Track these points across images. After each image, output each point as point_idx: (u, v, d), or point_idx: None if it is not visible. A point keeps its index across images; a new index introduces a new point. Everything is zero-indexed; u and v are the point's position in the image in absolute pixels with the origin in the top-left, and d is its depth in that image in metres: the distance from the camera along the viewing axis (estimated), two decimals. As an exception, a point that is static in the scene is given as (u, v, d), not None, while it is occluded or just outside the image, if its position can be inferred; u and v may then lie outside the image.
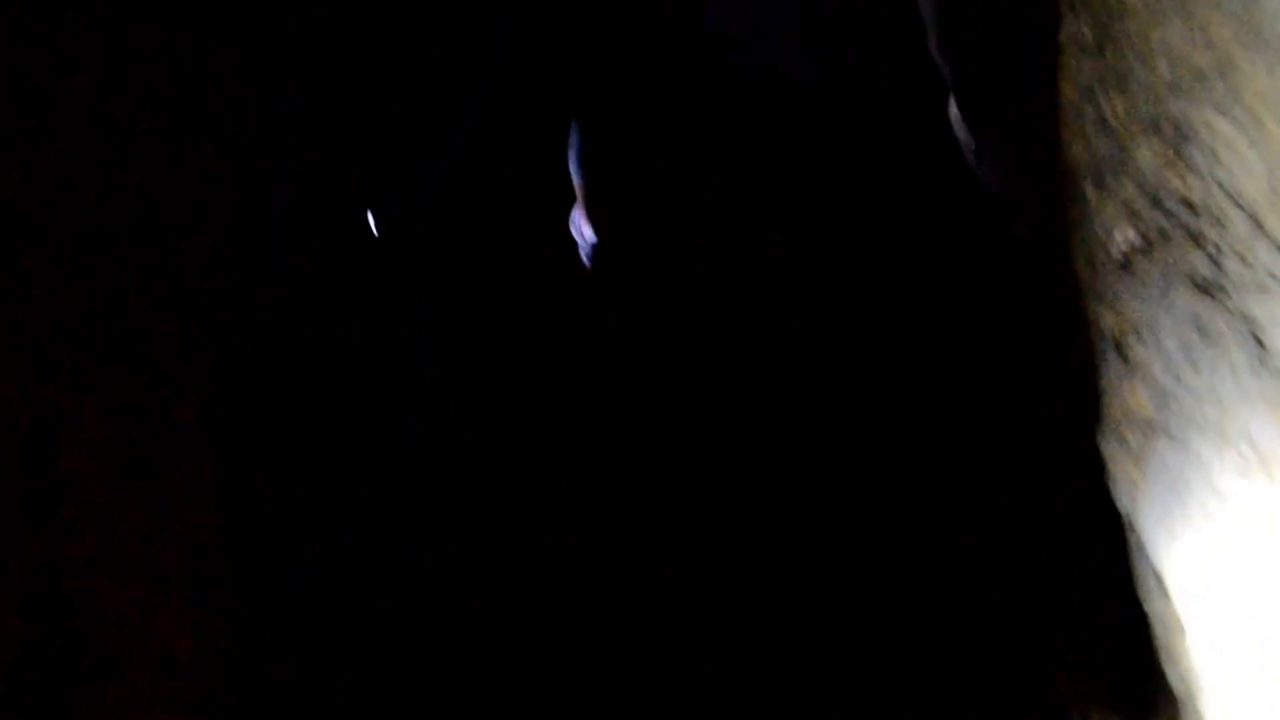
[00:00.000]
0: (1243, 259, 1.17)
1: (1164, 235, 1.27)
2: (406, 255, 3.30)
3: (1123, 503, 1.63)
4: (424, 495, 3.07)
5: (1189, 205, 1.20)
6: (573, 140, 3.35)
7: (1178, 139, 1.17)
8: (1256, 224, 1.11)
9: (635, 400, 3.29)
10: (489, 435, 3.22)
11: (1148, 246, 1.31)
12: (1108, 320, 1.49)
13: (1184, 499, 1.33)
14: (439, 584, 2.96)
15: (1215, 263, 1.20)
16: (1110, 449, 1.62)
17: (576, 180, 3.41)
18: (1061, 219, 1.57)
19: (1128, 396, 1.47)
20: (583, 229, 3.55)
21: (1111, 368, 1.52)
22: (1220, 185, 1.12)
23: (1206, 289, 1.23)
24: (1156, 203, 1.26)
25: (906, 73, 3.11)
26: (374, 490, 2.93)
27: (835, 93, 3.30)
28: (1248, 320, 1.21)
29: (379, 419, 3.03)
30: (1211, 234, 1.18)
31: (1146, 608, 1.66)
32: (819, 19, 3.34)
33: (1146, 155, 1.25)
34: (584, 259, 3.54)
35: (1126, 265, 1.39)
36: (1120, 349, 1.47)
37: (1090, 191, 1.44)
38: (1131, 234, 1.34)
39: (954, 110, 2.71)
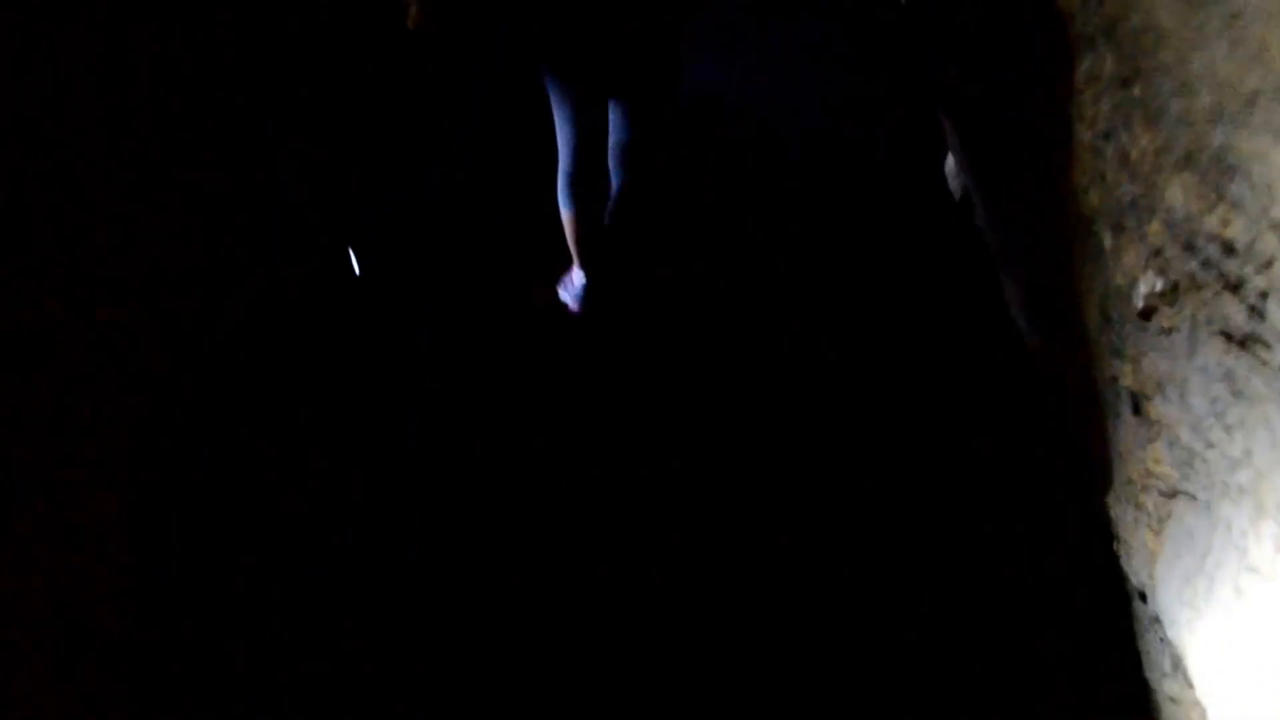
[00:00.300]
0: (1289, 308, 0.93)
1: (1195, 283, 1.02)
2: (406, 255, 3.19)
3: (1135, 574, 1.38)
4: (424, 495, 2.98)
5: (1228, 248, 0.96)
6: (564, 168, 3.19)
7: (1219, 174, 0.92)
8: (1313, 269, 0.87)
9: (635, 400, 3.18)
10: (489, 435, 3.11)
11: (1175, 295, 1.07)
12: (1125, 376, 1.24)
13: (1211, 573, 1.10)
14: (438, 584, 2.86)
15: (1256, 312, 0.96)
16: (1123, 515, 1.37)
17: (568, 210, 3.25)
18: (1073, 269, 1.32)
19: (1147, 459, 1.22)
20: (572, 281, 3.44)
21: (1128, 428, 1.27)
22: (1273, 224, 0.87)
23: (1243, 342, 0.99)
24: (1189, 246, 1.01)
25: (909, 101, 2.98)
26: (373, 491, 2.83)
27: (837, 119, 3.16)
28: (1290, 377, 0.97)
29: (379, 419, 2.93)
30: (1255, 280, 0.93)
31: (1157, 689, 1.42)
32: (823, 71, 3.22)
33: (1178, 195, 1.00)
34: (574, 307, 3.46)
35: (1149, 316, 1.14)
36: (1139, 408, 1.22)
37: (1107, 239, 1.18)
38: (1157, 282, 1.10)
39: (950, 164, 2.52)
